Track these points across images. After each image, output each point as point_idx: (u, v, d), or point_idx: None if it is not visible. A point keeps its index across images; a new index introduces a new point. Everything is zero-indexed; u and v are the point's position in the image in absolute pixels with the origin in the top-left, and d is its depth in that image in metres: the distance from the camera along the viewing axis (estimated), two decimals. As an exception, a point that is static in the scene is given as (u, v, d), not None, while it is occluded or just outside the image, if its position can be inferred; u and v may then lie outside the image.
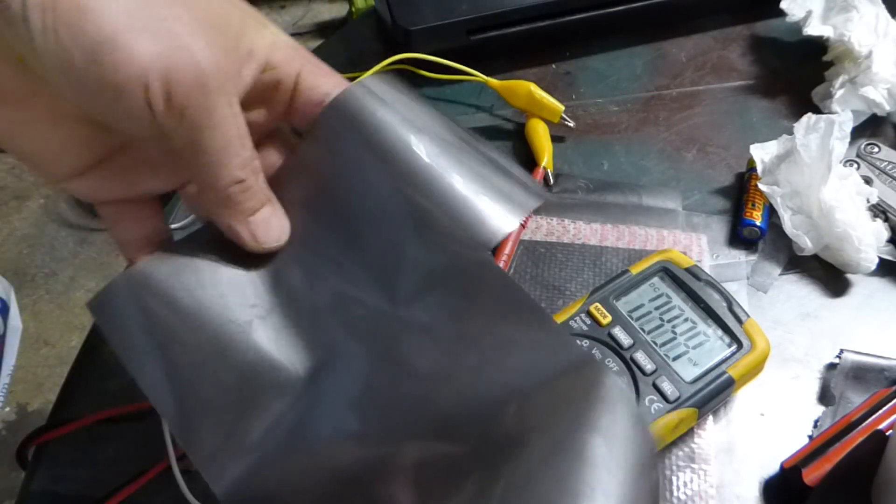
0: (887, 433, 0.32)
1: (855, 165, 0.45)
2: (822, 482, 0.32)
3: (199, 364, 0.27)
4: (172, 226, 0.48)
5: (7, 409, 1.23)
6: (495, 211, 0.26)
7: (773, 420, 0.37)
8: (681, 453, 0.35)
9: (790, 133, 0.44)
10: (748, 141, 0.45)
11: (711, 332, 0.35)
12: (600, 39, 0.57)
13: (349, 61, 0.57)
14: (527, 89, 0.50)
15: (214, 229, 0.28)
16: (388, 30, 0.56)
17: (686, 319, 0.36)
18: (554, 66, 0.56)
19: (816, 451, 0.33)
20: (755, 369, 0.35)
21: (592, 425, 0.22)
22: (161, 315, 0.27)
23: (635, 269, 0.38)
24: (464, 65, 0.52)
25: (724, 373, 0.34)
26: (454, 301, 0.26)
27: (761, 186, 0.43)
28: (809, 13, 0.50)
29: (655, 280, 0.37)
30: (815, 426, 0.36)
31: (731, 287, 0.39)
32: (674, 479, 0.35)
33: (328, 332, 0.27)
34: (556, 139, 0.50)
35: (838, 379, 0.37)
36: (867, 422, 0.34)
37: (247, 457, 0.26)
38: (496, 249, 0.43)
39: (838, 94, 0.48)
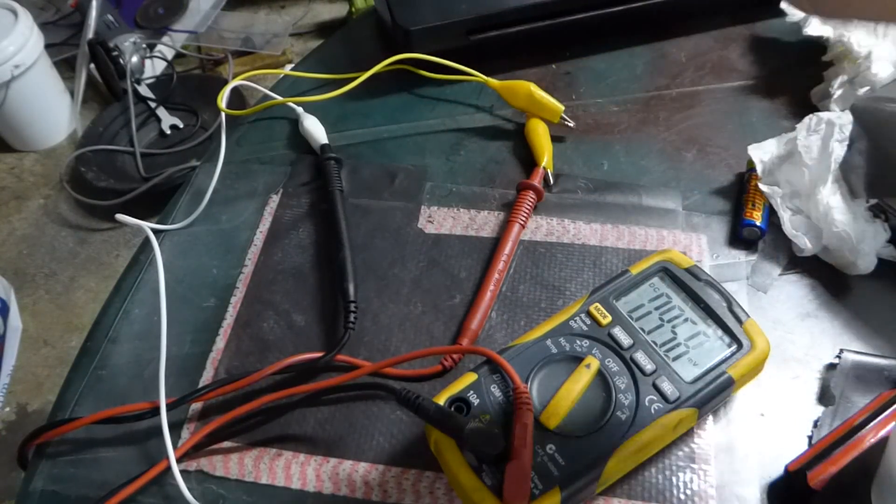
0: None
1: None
2: (828, 485, 0.32)
3: None
4: (173, 226, 0.48)
5: (7, 409, 1.23)
6: None
7: (773, 420, 0.37)
8: (681, 453, 0.35)
9: (790, 133, 0.44)
10: (748, 141, 0.45)
11: (711, 332, 0.35)
12: (600, 39, 0.57)
13: (349, 61, 0.57)
14: (527, 89, 0.50)
15: None
16: (388, 30, 0.56)
17: (686, 319, 0.36)
18: (554, 66, 0.56)
19: (821, 455, 0.33)
20: (755, 369, 0.35)
21: None
22: None
23: (635, 269, 0.38)
24: (464, 65, 0.52)
25: (723, 373, 0.34)
26: None
27: (761, 187, 0.43)
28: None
29: (655, 280, 0.37)
30: (815, 426, 0.36)
31: (731, 287, 0.39)
32: (674, 479, 0.35)
33: None
34: (556, 139, 0.50)
35: (838, 379, 0.37)
36: (871, 424, 0.34)
37: None
38: (496, 249, 0.43)
39: (837, 94, 0.48)
